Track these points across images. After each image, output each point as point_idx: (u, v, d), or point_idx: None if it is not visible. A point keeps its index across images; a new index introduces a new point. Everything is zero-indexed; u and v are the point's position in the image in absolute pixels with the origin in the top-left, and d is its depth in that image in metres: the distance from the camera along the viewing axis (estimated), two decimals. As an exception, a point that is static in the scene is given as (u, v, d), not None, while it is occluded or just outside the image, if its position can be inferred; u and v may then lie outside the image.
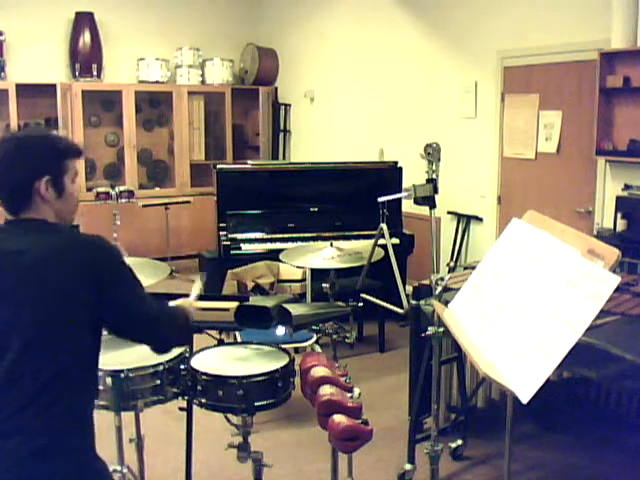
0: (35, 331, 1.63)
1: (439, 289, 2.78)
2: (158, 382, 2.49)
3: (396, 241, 5.39)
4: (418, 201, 2.99)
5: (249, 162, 6.12)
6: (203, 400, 2.46)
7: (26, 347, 1.63)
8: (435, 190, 2.98)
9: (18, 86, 6.87)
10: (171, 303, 2.08)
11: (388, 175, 5.85)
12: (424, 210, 3.06)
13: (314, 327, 3.63)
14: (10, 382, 1.64)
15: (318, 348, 4.11)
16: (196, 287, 2.36)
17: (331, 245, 3.91)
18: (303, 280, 4.67)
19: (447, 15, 5.88)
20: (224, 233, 5.48)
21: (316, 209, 5.73)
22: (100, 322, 1.74)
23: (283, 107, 8.09)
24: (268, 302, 2.63)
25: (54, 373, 1.64)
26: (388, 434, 3.73)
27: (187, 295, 2.27)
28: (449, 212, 5.96)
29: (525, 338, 1.92)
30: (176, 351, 2.58)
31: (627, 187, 4.46)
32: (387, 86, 6.58)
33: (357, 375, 3.80)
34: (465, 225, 5.87)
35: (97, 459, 1.76)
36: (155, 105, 7.95)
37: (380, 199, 3.54)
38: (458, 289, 2.52)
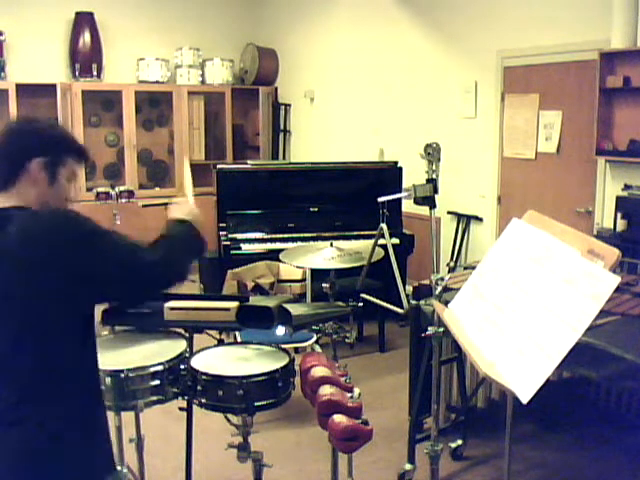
0: (21, 324, 1.62)
1: (439, 289, 2.78)
2: (158, 382, 2.49)
3: (396, 241, 5.39)
4: (418, 201, 2.97)
5: (249, 162, 6.12)
6: (203, 400, 2.46)
7: (15, 341, 1.63)
8: (435, 190, 2.96)
9: (18, 86, 6.86)
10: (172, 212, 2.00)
11: (388, 175, 5.85)
12: (424, 210, 3.04)
13: (314, 327, 3.62)
14: (1, 378, 1.64)
15: (318, 348, 4.11)
16: (187, 172, 2.31)
17: (331, 245, 3.91)
18: (303, 280, 4.67)
19: (447, 15, 5.88)
20: (224, 233, 5.48)
21: (316, 209, 5.73)
22: (91, 301, 1.69)
23: (283, 107, 8.09)
24: (269, 302, 2.63)
25: (44, 369, 1.63)
26: (388, 434, 3.73)
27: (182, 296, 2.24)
28: (449, 212, 5.96)
29: (525, 338, 1.92)
30: (176, 351, 2.59)
31: (627, 187, 4.46)
32: (387, 86, 6.58)
33: (357, 375, 3.80)
34: (465, 225, 5.87)
35: (98, 458, 1.76)
36: (155, 105, 7.94)
37: (380, 199, 3.53)
38: (458, 289, 2.52)
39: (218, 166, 5.74)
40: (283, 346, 2.71)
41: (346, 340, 3.95)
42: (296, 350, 4.13)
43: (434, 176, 2.97)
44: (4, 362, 1.64)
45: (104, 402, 1.88)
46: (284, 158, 8.12)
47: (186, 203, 2.10)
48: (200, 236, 1.96)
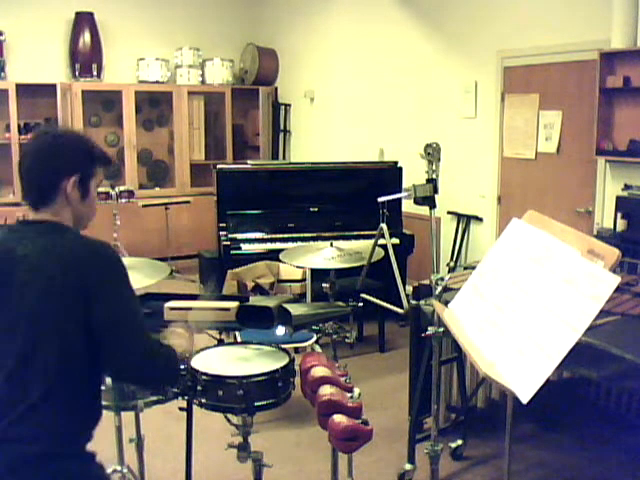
0: (37, 337, 1.62)
1: (439, 289, 2.78)
2: (158, 382, 2.49)
3: (396, 241, 5.39)
4: (418, 201, 2.97)
5: (249, 162, 6.12)
6: (203, 400, 2.45)
7: (29, 351, 1.62)
8: (435, 190, 2.96)
9: (18, 86, 6.87)
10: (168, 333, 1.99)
11: (388, 175, 5.85)
12: (424, 210, 3.04)
13: (314, 327, 3.62)
14: (12, 386, 1.63)
15: (318, 348, 4.11)
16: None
17: (331, 245, 3.91)
18: (303, 280, 4.67)
19: (447, 15, 5.88)
20: (224, 233, 5.48)
21: (316, 209, 5.73)
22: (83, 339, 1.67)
23: (283, 107, 8.09)
24: (269, 302, 2.62)
25: (55, 377, 1.63)
26: (388, 434, 3.73)
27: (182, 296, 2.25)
28: (449, 212, 5.96)
29: (525, 338, 1.92)
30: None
31: (627, 187, 4.46)
32: (387, 86, 6.58)
33: (357, 375, 3.80)
34: (465, 225, 5.87)
35: (95, 463, 1.76)
36: (155, 105, 7.95)
37: (380, 199, 3.53)
38: (458, 289, 2.52)
39: (218, 166, 5.74)
40: (283, 346, 2.71)
41: (346, 340, 3.95)
42: (296, 350, 4.13)
43: (434, 176, 2.97)
44: (19, 369, 1.63)
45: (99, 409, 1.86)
46: (284, 158, 8.12)
47: (181, 336, 2.05)
48: (178, 370, 1.97)
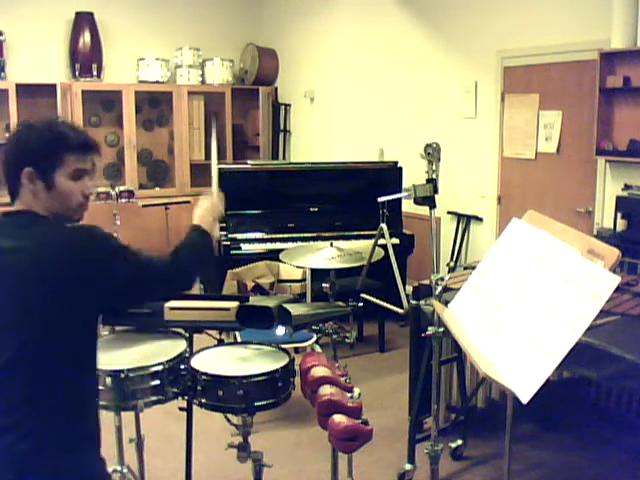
0: (34, 330, 1.61)
1: (439, 289, 2.78)
2: (158, 382, 2.49)
3: (396, 241, 5.39)
4: (418, 201, 2.97)
5: (249, 162, 6.12)
6: (203, 400, 2.45)
7: (25, 346, 1.61)
8: (435, 190, 2.96)
9: (18, 86, 6.86)
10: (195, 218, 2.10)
11: (388, 175, 5.85)
12: (424, 210, 3.04)
13: (314, 327, 3.62)
14: (4, 381, 1.62)
15: (318, 348, 4.11)
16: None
17: (331, 245, 3.91)
18: (303, 280, 4.67)
19: (447, 15, 5.88)
20: (224, 233, 5.48)
21: (316, 209, 5.73)
22: (102, 311, 1.77)
23: (283, 107, 8.09)
24: (269, 302, 2.63)
25: (52, 372, 1.62)
26: (388, 434, 3.73)
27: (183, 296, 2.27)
28: (449, 212, 5.96)
29: (525, 338, 1.92)
30: (176, 351, 2.59)
31: (627, 187, 4.46)
32: (387, 86, 6.58)
33: (357, 375, 3.80)
34: (465, 225, 5.87)
35: (94, 461, 1.75)
36: (155, 105, 7.94)
37: (380, 199, 3.53)
38: (458, 289, 2.52)
39: (218, 166, 5.73)
40: (283, 346, 2.71)
41: (346, 340, 3.94)
42: (296, 350, 4.13)
43: (434, 176, 2.97)
44: (13, 365, 1.61)
45: (98, 411, 1.85)
46: (284, 158, 8.12)
47: (210, 202, 2.24)
48: (212, 250, 2.07)
